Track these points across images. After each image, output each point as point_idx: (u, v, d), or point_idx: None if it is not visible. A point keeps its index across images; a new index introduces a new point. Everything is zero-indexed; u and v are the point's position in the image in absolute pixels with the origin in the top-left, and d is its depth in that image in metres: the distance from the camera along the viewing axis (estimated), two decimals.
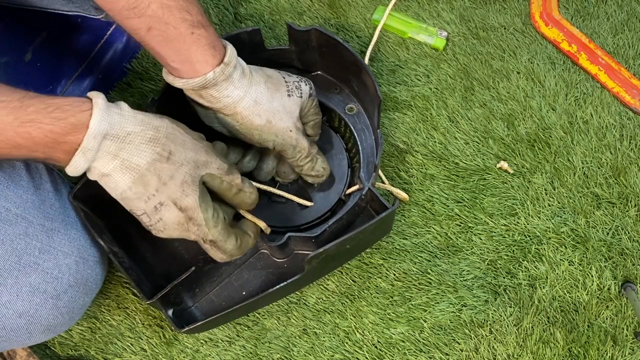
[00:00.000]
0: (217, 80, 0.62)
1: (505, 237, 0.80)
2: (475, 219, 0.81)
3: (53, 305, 0.61)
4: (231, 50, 0.64)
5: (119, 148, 0.55)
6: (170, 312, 0.70)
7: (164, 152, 0.57)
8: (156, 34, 0.60)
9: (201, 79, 0.62)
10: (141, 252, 0.74)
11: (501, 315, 0.77)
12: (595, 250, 0.79)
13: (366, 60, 0.89)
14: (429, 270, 0.79)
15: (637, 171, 0.83)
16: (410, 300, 0.77)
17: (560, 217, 0.81)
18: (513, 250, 0.80)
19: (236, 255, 0.64)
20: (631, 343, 0.75)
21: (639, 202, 0.81)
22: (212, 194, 0.62)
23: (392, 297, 0.78)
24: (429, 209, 0.82)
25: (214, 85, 0.63)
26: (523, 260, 0.79)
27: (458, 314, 0.77)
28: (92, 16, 0.78)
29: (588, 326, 0.76)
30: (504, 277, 0.79)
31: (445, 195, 0.82)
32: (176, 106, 0.77)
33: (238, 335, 0.77)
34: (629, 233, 0.80)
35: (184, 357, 0.76)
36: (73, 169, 0.55)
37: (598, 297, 0.77)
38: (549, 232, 0.80)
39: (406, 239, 0.80)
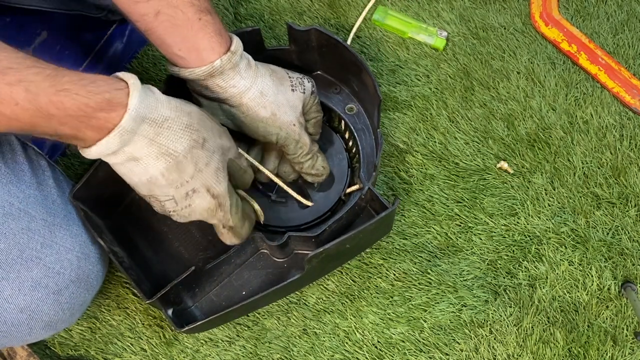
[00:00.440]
0: (224, 68, 0.62)
1: (505, 237, 0.80)
2: (475, 219, 0.81)
3: (54, 300, 0.61)
4: (237, 39, 0.64)
5: (157, 133, 0.54)
6: (170, 311, 0.70)
7: (199, 139, 0.57)
8: (164, 19, 0.60)
9: (208, 67, 0.61)
10: (141, 252, 0.74)
11: (501, 315, 0.77)
12: (595, 250, 0.79)
13: (349, 42, 0.89)
14: (429, 270, 0.79)
15: (637, 171, 0.83)
16: (410, 300, 0.77)
17: (560, 217, 0.81)
18: (513, 250, 0.80)
19: (244, 240, 0.66)
20: (631, 343, 0.75)
21: (639, 202, 0.81)
22: None
23: (392, 297, 0.78)
24: (429, 209, 0.82)
25: (221, 74, 0.62)
26: (523, 261, 0.79)
27: (458, 314, 0.77)
28: (93, 15, 0.78)
29: (588, 326, 0.76)
30: (504, 277, 0.79)
31: (445, 195, 0.82)
32: None
33: (238, 335, 0.76)
34: (629, 233, 0.80)
35: (184, 357, 0.76)
36: (101, 150, 0.53)
37: (598, 297, 0.77)
38: (549, 232, 0.80)
39: (406, 239, 0.80)
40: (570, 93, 0.87)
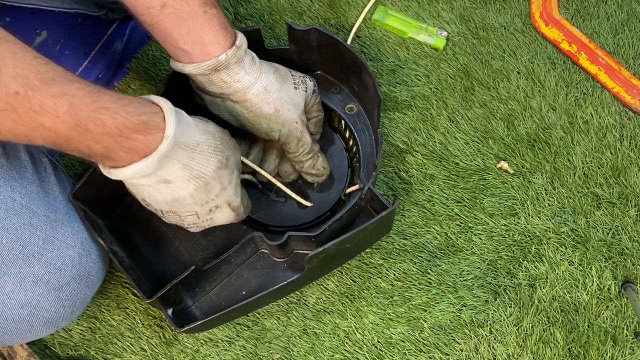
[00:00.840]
0: (230, 62, 0.62)
1: (505, 237, 0.80)
2: (475, 219, 0.81)
3: (55, 297, 0.61)
4: (242, 35, 0.64)
5: (191, 158, 0.56)
6: (170, 311, 0.70)
7: (224, 159, 0.60)
8: (169, 12, 0.60)
9: (213, 61, 0.61)
10: (141, 252, 0.74)
11: (501, 315, 0.77)
12: (595, 250, 0.79)
13: (349, 41, 0.89)
14: (429, 270, 0.79)
15: (637, 171, 0.83)
16: (410, 300, 0.77)
17: (561, 217, 0.81)
18: (513, 250, 0.80)
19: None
20: (631, 343, 0.75)
21: (639, 202, 0.81)
22: None
23: (392, 297, 0.78)
24: (429, 209, 0.82)
25: (226, 69, 0.62)
26: (523, 261, 0.79)
27: (458, 314, 0.77)
28: (93, 13, 0.78)
29: (588, 326, 0.76)
30: (504, 277, 0.79)
31: (445, 195, 0.82)
32: (177, 105, 0.77)
33: (238, 335, 0.76)
34: (629, 233, 0.80)
35: (184, 357, 0.76)
36: (136, 172, 0.54)
37: (598, 297, 0.77)
38: (549, 232, 0.80)
39: (406, 239, 0.80)
40: (571, 93, 0.87)
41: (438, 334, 0.76)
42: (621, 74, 0.87)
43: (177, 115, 0.55)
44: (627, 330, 0.76)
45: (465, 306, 0.77)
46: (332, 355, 0.76)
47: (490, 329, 0.76)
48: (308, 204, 0.76)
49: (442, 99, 0.88)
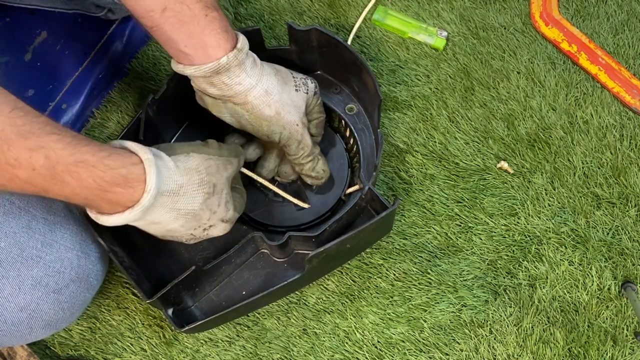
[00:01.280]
0: (230, 65, 0.62)
1: (505, 237, 0.80)
2: (475, 219, 0.81)
3: (54, 299, 0.61)
4: (243, 37, 0.64)
5: (174, 201, 0.57)
6: (170, 311, 0.70)
7: (210, 189, 0.60)
8: (171, 15, 0.60)
9: (214, 64, 0.61)
10: (141, 252, 0.74)
11: (501, 315, 0.77)
12: (595, 250, 0.79)
13: (349, 42, 0.89)
14: (429, 270, 0.79)
15: (637, 171, 0.83)
16: (410, 300, 0.77)
17: (561, 217, 0.81)
18: (513, 250, 0.80)
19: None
20: (631, 343, 0.75)
21: (639, 202, 0.81)
22: None
23: (392, 297, 0.78)
24: (429, 209, 0.82)
25: (227, 71, 0.62)
26: (523, 261, 0.79)
27: (458, 314, 0.77)
28: (93, 14, 0.78)
29: (588, 326, 0.76)
30: (504, 277, 0.79)
31: (445, 195, 0.82)
32: (177, 105, 0.77)
33: (238, 335, 0.76)
34: (629, 233, 0.80)
35: (184, 357, 0.76)
36: (121, 221, 0.54)
37: (598, 297, 0.77)
38: (549, 232, 0.80)
39: (406, 239, 0.80)
40: (571, 93, 0.87)
41: (438, 334, 0.76)
42: (621, 74, 0.87)
43: (157, 162, 0.55)
44: (627, 330, 0.76)
45: (465, 306, 0.77)
46: (332, 355, 0.76)
47: (490, 329, 0.76)
48: (306, 205, 0.76)
49: (442, 99, 0.88)
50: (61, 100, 0.83)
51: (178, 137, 0.82)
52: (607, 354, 0.75)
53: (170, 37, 0.61)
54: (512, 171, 0.83)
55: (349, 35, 0.91)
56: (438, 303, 0.77)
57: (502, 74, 0.89)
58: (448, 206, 0.82)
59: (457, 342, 0.76)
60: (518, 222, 0.81)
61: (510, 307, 0.77)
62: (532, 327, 0.76)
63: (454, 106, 0.87)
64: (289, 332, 0.77)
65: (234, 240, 0.72)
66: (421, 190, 0.83)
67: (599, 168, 0.83)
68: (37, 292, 0.60)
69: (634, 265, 0.79)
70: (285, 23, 0.86)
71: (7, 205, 0.58)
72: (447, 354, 0.75)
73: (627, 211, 0.81)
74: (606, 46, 0.90)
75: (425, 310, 0.77)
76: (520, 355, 0.75)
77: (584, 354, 0.75)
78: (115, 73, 0.89)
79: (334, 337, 0.76)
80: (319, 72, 0.83)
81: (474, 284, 0.78)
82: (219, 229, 0.64)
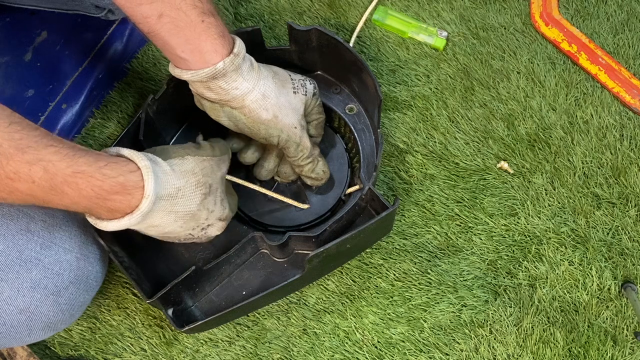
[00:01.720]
0: (227, 70, 0.62)
1: (505, 237, 0.80)
2: (475, 219, 0.81)
3: (53, 301, 0.61)
4: (240, 41, 0.64)
5: (173, 204, 0.58)
6: (170, 311, 0.70)
7: (207, 189, 0.61)
8: (167, 21, 0.60)
9: (211, 69, 0.61)
10: (141, 252, 0.74)
11: (501, 315, 0.77)
12: (595, 250, 0.79)
13: (351, 43, 0.89)
14: (429, 270, 0.79)
15: (637, 171, 0.83)
16: (410, 300, 0.77)
17: (561, 217, 0.81)
18: (513, 250, 0.80)
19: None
20: (631, 343, 0.75)
21: (639, 202, 0.81)
22: None
23: (392, 297, 0.78)
24: (429, 209, 0.82)
25: (223, 76, 0.63)
26: (523, 261, 0.79)
27: (458, 314, 0.77)
28: (93, 14, 0.78)
29: (588, 326, 0.76)
30: (504, 277, 0.79)
31: (445, 195, 0.82)
32: (177, 105, 0.77)
33: (238, 335, 0.76)
34: (629, 233, 0.80)
35: (184, 357, 0.76)
36: (120, 225, 0.55)
37: (598, 297, 0.77)
38: (549, 232, 0.80)
39: (406, 239, 0.80)
40: (571, 93, 0.87)
41: (438, 334, 0.76)
42: (621, 74, 0.87)
43: (154, 167, 0.56)
44: (627, 330, 0.76)
45: (465, 306, 0.77)
46: (332, 355, 0.76)
47: (490, 329, 0.76)
48: (305, 206, 0.76)
49: (442, 99, 0.88)
50: (61, 100, 0.83)
51: (178, 137, 0.82)
52: (607, 354, 0.75)
53: (167, 43, 0.62)
54: (512, 171, 0.83)
55: (349, 35, 0.91)
56: (438, 303, 0.77)
57: (502, 74, 0.89)
58: (448, 206, 0.82)
59: (457, 342, 0.76)
60: (518, 222, 0.81)
61: (510, 307, 0.77)
62: (532, 327, 0.76)
63: (454, 106, 0.87)
64: (289, 332, 0.77)
65: (234, 240, 0.72)
66: (421, 190, 0.83)
67: (599, 168, 0.83)
68: (36, 294, 0.60)
69: (634, 265, 0.79)
70: (285, 23, 0.86)
71: (6, 207, 0.58)
72: (447, 354, 0.75)
73: (627, 211, 0.81)
74: (606, 46, 0.90)
75: (425, 310, 0.77)
76: (520, 355, 0.75)
77: (584, 354, 0.75)
78: (115, 73, 0.89)
79: (334, 337, 0.76)
80: (319, 72, 0.83)
81: (474, 284, 0.78)
82: (217, 228, 0.65)
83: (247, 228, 0.76)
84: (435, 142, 0.85)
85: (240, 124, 0.67)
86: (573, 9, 0.93)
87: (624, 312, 0.76)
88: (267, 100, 0.66)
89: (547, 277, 0.78)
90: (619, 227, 0.80)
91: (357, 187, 0.75)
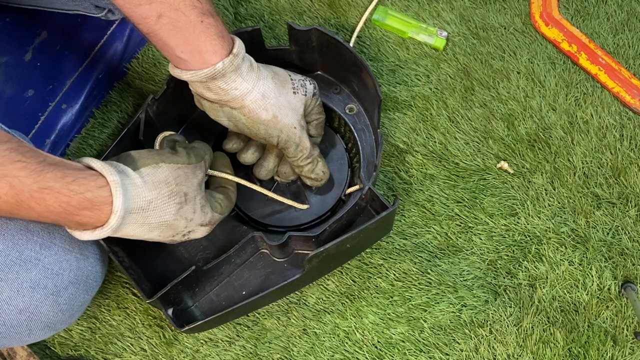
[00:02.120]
0: (226, 71, 0.62)
1: (505, 237, 0.80)
2: (475, 219, 0.81)
3: (53, 301, 0.61)
4: (239, 42, 0.64)
5: (145, 217, 0.57)
6: (170, 311, 0.70)
7: (182, 198, 0.60)
8: (166, 22, 0.60)
9: (210, 70, 0.61)
10: (141, 252, 0.74)
11: (501, 315, 0.77)
12: (595, 250, 0.79)
13: (351, 43, 0.89)
14: (429, 270, 0.79)
15: (637, 171, 0.83)
16: (410, 300, 0.77)
17: (561, 217, 0.81)
18: (513, 250, 0.80)
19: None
20: (631, 343, 0.75)
21: (639, 202, 0.81)
22: None
23: (392, 297, 0.78)
24: (429, 209, 0.82)
25: (223, 77, 0.62)
26: (523, 261, 0.79)
27: (458, 314, 0.77)
28: (93, 14, 0.78)
29: (588, 326, 0.76)
30: (504, 277, 0.79)
31: (445, 195, 0.82)
32: (177, 105, 0.77)
33: (238, 335, 0.76)
34: (629, 233, 0.80)
35: (184, 357, 0.76)
36: (93, 237, 0.55)
37: (598, 297, 0.77)
38: (549, 232, 0.80)
39: (406, 239, 0.80)
40: (571, 93, 0.87)
41: (438, 334, 0.76)
42: (621, 74, 0.87)
43: (123, 181, 0.55)
44: (627, 330, 0.76)
45: (465, 306, 0.77)
46: (332, 355, 0.76)
47: (490, 329, 0.76)
48: (304, 207, 0.76)
49: (442, 99, 0.88)
50: (61, 100, 0.83)
51: None
52: (607, 354, 0.75)
53: (167, 43, 0.62)
54: (512, 171, 0.83)
55: (349, 35, 0.91)
56: (438, 303, 0.77)
57: (502, 74, 0.89)
58: (448, 206, 0.82)
59: (457, 342, 0.76)
60: (518, 222, 0.81)
61: (510, 307, 0.77)
62: (532, 327, 0.76)
63: (454, 106, 0.87)
64: (289, 332, 0.77)
65: (234, 240, 0.72)
66: (421, 190, 0.83)
67: (599, 168, 0.83)
68: (35, 295, 0.59)
69: (634, 265, 0.79)
70: (285, 23, 0.86)
71: None
72: (447, 354, 0.75)
73: (627, 211, 0.81)
74: (606, 46, 0.90)
75: (425, 310, 0.77)
76: (520, 355, 0.75)
77: (584, 354, 0.75)
78: (115, 73, 0.89)
79: (334, 337, 0.76)
80: (319, 72, 0.83)
81: (474, 284, 0.78)
82: (200, 232, 0.65)
83: (247, 228, 0.76)
84: (435, 142, 0.85)
85: (240, 124, 0.67)
86: (573, 9, 0.93)
87: (624, 312, 0.76)
88: (266, 100, 0.66)
89: (547, 277, 0.78)
90: (619, 227, 0.80)
91: (357, 187, 0.75)
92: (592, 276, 0.78)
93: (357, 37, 0.91)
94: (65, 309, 0.63)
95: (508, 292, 0.78)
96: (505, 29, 0.92)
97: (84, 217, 0.53)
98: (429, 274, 0.78)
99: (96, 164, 0.55)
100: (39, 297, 0.60)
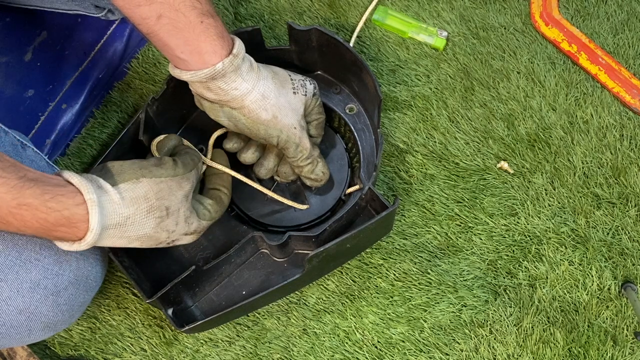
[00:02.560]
0: (226, 71, 0.62)
1: (505, 237, 0.80)
2: (476, 219, 0.81)
3: (53, 302, 0.61)
4: (239, 42, 0.64)
5: (123, 231, 0.57)
6: (170, 311, 0.70)
7: (163, 212, 0.60)
8: (166, 23, 0.60)
9: (210, 70, 0.61)
10: (141, 252, 0.74)
11: (501, 315, 0.77)
12: (595, 250, 0.79)
13: (351, 43, 0.89)
14: (429, 270, 0.79)
15: (637, 171, 0.83)
16: (410, 300, 0.77)
17: (561, 217, 0.81)
18: (513, 250, 0.80)
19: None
20: (631, 343, 0.75)
21: (639, 202, 0.81)
22: None
23: (392, 297, 0.78)
24: (429, 209, 0.82)
25: (223, 77, 0.62)
26: (523, 260, 0.79)
27: (458, 314, 0.77)
28: (92, 14, 0.78)
29: (588, 326, 0.76)
30: (504, 277, 0.79)
31: (445, 195, 0.82)
32: (177, 105, 0.77)
33: (238, 335, 0.76)
34: (629, 233, 0.80)
35: (184, 357, 0.76)
36: (72, 248, 0.56)
37: (598, 297, 0.77)
38: (549, 232, 0.80)
39: (406, 239, 0.80)
40: (571, 93, 0.87)
41: (438, 334, 0.76)
42: (621, 74, 0.87)
43: (100, 199, 0.55)
44: (627, 330, 0.76)
45: (465, 306, 0.77)
46: (332, 355, 0.76)
47: (490, 329, 0.76)
48: (304, 207, 0.76)
49: (442, 99, 0.88)
50: (61, 100, 0.83)
51: None
52: (607, 354, 0.75)
53: (166, 44, 0.62)
54: (512, 171, 0.83)
55: (349, 35, 0.91)
56: (438, 303, 0.77)
57: (502, 74, 0.89)
58: (448, 206, 0.82)
59: (457, 342, 0.76)
60: (518, 222, 0.81)
61: (510, 307, 0.77)
62: (532, 327, 0.76)
63: (454, 106, 0.87)
64: (289, 332, 0.77)
65: (234, 240, 0.72)
66: (421, 190, 0.83)
67: (599, 168, 0.83)
68: (35, 295, 0.59)
69: (634, 265, 0.79)
70: (285, 23, 0.86)
71: None
72: (447, 354, 0.75)
73: (627, 211, 0.81)
74: (606, 46, 0.90)
75: (425, 310, 0.77)
76: (520, 355, 0.75)
77: (584, 354, 0.75)
78: (115, 73, 0.89)
79: (334, 337, 0.76)
80: (319, 72, 0.83)
81: (474, 284, 0.78)
82: (185, 240, 0.65)
83: (247, 228, 0.76)
84: (435, 142, 0.85)
85: (240, 124, 0.67)
86: (573, 9, 0.93)
87: (624, 312, 0.76)
88: (266, 100, 0.66)
89: (547, 277, 0.78)
90: (619, 227, 0.80)
91: (357, 187, 0.75)
92: (592, 276, 0.78)
93: (357, 37, 0.91)
94: (65, 309, 0.63)
95: (508, 292, 0.78)
96: (505, 29, 0.92)
97: (62, 233, 0.54)
98: (429, 274, 0.78)
99: (75, 179, 0.54)
100: (38, 297, 0.60)
